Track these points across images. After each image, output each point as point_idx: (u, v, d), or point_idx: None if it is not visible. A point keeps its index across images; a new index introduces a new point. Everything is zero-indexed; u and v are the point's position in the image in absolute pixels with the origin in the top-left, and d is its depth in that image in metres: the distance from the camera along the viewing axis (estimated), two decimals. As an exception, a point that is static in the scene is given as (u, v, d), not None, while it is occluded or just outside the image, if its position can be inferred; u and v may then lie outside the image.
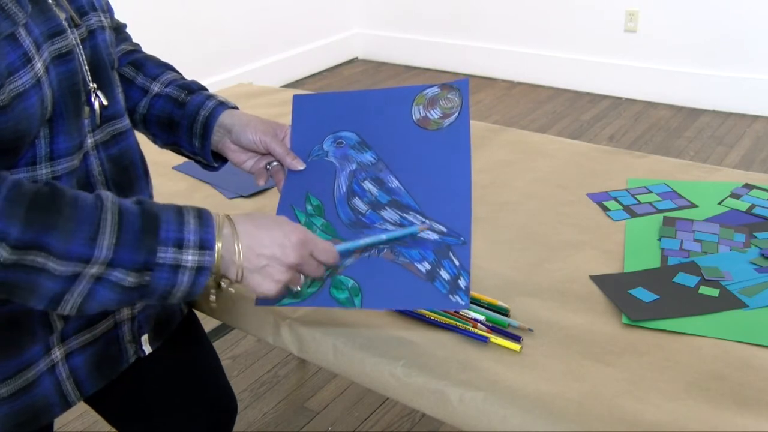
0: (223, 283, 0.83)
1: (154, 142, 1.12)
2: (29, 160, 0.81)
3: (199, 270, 0.78)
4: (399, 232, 0.93)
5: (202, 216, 0.79)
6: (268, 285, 0.83)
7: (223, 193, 1.43)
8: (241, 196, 1.41)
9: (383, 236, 0.93)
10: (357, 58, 5.14)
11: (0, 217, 0.69)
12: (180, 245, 0.77)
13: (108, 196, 0.77)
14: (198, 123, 1.04)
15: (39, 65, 0.77)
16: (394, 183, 0.98)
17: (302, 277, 0.87)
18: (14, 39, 0.75)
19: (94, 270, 0.74)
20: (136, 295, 0.77)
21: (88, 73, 0.88)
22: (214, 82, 3.93)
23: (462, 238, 0.92)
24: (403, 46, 4.91)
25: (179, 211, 0.79)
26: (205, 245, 0.78)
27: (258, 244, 0.81)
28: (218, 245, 0.79)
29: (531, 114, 4.01)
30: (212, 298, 0.85)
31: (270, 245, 0.81)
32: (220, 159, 1.10)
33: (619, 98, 4.14)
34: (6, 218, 0.69)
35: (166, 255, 0.76)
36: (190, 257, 0.77)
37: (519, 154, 1.53)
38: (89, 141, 0.89)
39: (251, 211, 1.34)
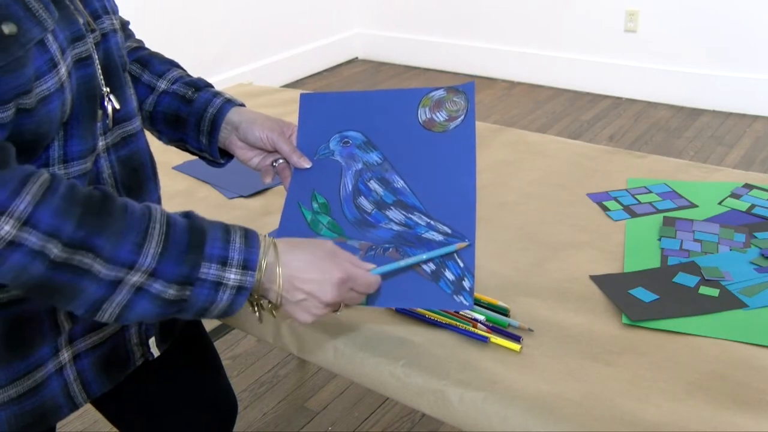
0: (263, 305, 0.83)
1: (159, 138, 1.12)
2: (42, 162, 0.82)
3: (240, 289, 0.78)
4: (438, 251, 0.91)
5: (248, 236, 0.80)
6: (304, 316, 0.83)
7: (223, 193, 1.43)
8: (241, 196, 1.41)
9: (423, 256, 0.91)
10: (357, 58, 5.14)
11: (56, 214, 0.70)
12: (224, 263, 0.77)
13: (157, 207, 0.78)
14: (205, 120, 1.05)
15: (63, 70, 0.78)
16: (400, 183, 0.98)
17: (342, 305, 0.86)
18: (43, 45, 0.76)
19: (136, 278, 0.74)
20: (175, 309, 0.78)
21: (102, 77, 0.88)
22: (214, 82, 3.89)
23: (466, 240, 0.92)
24: (403, 46, 4.91)
25: (226, 229, 0.79)
26: (248, 265, 0.78)
27: (299, 278, 0.81)
28: (261, 267, 0.79)
29: (531, 114, 4.01)
30: (256, 315, 0.85)
31: (310, 282, 0.81)
32: (226, 155, 1.10)
33: (619, 98, 4.14)
34: (62, 215, 0.70)
35: (209, 271, 0.76)
36: (232, 276, 0.77)
37: (519, 154, 1.53)
38: (100, 144, 0.89)
39: (253, 210, 1.34)
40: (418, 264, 0.92)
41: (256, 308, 0.83)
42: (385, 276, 0.90)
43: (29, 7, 0.75)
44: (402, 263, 0.90)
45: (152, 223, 0.75)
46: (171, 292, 0.76)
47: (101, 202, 0.74)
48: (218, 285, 0.77)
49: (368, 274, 0.85)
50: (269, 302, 0.83)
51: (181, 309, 0.78)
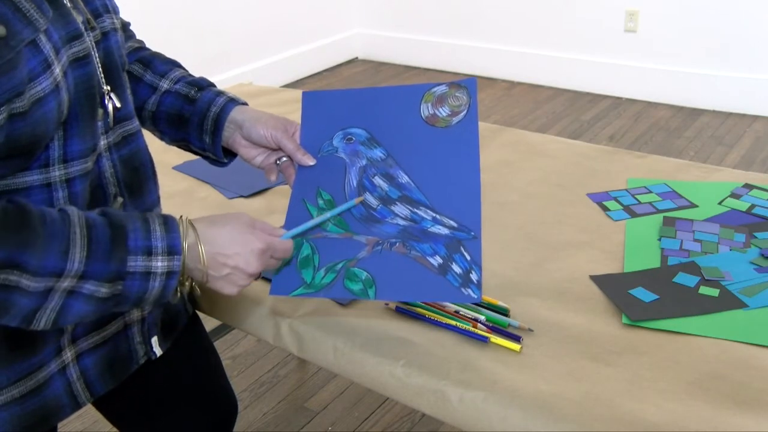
0: (187, 284, 0.85)
1: (162, 138, 1.12)
2: (42, 162, 0.81)
3: (169, 275, 0.80)
4: (339, 208, 0.97)
5: (168, 222, 0.81)
6: (230, 288, 0.86)
7: (223, 193, 1.43)
8: (241, 196, 1.41)
9: (328, 214, 0.96)
10: (357, 58, 5.14)
11: None
12: (149, 252, 0.78)
13: (73, 210, 0.77)
14: (209, 119, 1.05)
15: (58, 70, 0.78)
16: (404, 179, 0.99)
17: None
18: (35, 45, 0.75)
19: (66, 284, 0.74)
20: (110, 304, 0.79)
21: (102, 76, 0.88)
22: (215, 82, 3.90)
23: (473, 233, 0.93)
24: (403, 46, 4.91)
25: (145, 219, 0.80)
26: (173, 251, 0.80)
27: (222, 254, 0.83)
28: (184, 249, 0.81)
29: (531, 114, 4.01)
30: (177, 296, 0.87)
31: (233, 255, 0.84)
32: (229, 155, 1.10)
33: (619, 98, 4.14)
34: None
35: (136, 263, 0.78)
36: (159, 263, 0.79)
37: (519, 154, 1.53)
38: (102, 143, 0.89)
39: (254, 210, 1.34)
40: (423, 257, 0.92)
41: (178, 288, 0.84)
42: (391, 268, 0.92)
43: (19, 8, 0.74)
44: (309, 224, 0.95)
45: (72, 227, 0.75)
46: (103, 290, 0.77)
47: (17, 216, 0.72)
48: (147, 275, 0.79)
49: (285, 241, 0.90)
50: (192, 280, 0.85)
51: (117, 303, 0.79)
